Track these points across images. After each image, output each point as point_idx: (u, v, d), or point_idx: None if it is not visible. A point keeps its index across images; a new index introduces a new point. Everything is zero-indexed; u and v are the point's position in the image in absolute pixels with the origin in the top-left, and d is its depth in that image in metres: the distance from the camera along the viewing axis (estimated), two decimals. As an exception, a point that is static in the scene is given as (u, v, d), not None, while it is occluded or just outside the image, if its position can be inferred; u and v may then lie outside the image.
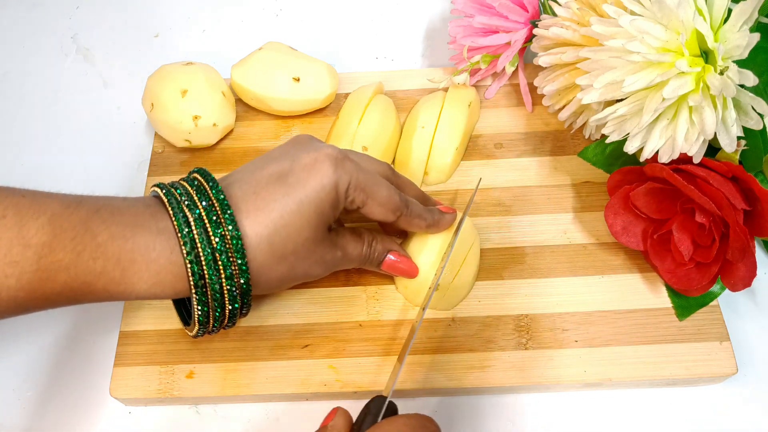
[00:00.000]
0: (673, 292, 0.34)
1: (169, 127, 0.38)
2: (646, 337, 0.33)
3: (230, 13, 0.48)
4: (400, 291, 0.34)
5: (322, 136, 0.40)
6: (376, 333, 0.33)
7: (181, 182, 0.28)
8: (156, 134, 0.41)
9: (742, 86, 0.27)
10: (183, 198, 0.27)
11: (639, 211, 0.33)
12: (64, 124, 0.43)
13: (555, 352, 0.32)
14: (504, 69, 0.39)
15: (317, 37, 0.46)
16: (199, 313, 0.27)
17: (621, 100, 0.30)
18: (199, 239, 0.26)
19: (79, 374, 0.34)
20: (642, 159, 0.30)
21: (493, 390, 0.33)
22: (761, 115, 0.28)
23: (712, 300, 0.33)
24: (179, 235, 0.26)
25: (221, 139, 0.40)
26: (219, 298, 0.27)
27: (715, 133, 0.28)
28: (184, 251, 0.26)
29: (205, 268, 0.26)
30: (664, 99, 0.27)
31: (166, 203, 0.26)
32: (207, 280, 0.26)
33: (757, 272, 0.35)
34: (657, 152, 0.30)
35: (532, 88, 0.39)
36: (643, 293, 0.34)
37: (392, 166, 0.34)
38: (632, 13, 0.28)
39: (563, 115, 0.36)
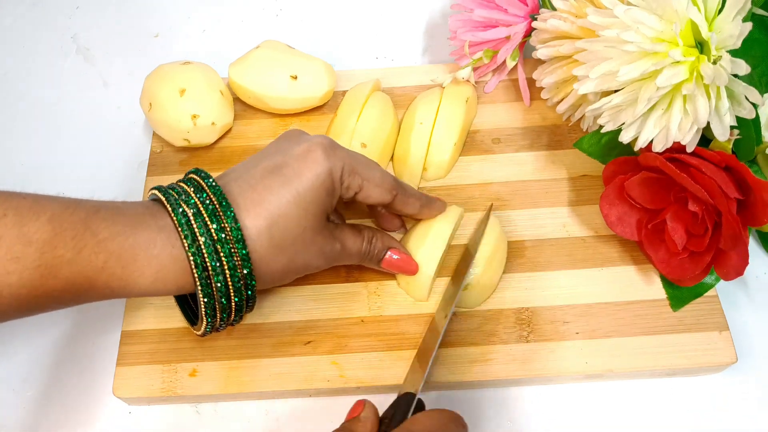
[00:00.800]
0: (666, 283, 0.34)
1: (168, 126, 0.38)
2: (646, 327, 0.33)
3: (230, 13, 0.48)
4: (402, 287, 0.34)
5: (320, 133, 0.40)
6: (378, 328, 0.33)
7: (179, 183, 0.28)
8: (154, 134, 0.41)
9: (735, 76, 0.27)
10: (182, 196, 0.27)
11: (633, 201, 0.33)
12: (64, 124, 0.44)
13: (556, 344, 0.33)
14: (504, 63, 0.39)
15: (317, 37, 0.46)
16: (206, 305, 0.27)
17: (617, 91, 0.30)
18: (199, 232, 0.26)
19: (79, 374, 0.35)
20: (636, 148, 0.31)
21: (495, 383, 0.33)
22: (755, 105, 0.28)
23: (705, 291, 0.33)
24: (180, 229, 0.26)
25: (220, 138, 0.40)
26: (224, 291, 0.27)
27: (709, 123, 0.28)
28: (186, 244, 0.26)
29: (207, 259, 0.26)
30: (658, 88, 0.27)
31: (165, 201, 0.27)
32: (210, 272, 0.26)
33: (757, 269, 0.35)
34: (651, 142, 0.30)
35: (531, 83, 0.39)
36: (643, 285, 0.34)
37: (390, 162, 0.35)
38: (627, 3, 0.28)
39: (561, 108, 0.36)
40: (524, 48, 0.40)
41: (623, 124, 0.30)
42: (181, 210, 0.26)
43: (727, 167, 0.30)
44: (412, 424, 0.24)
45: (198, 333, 0.29)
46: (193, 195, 0.27)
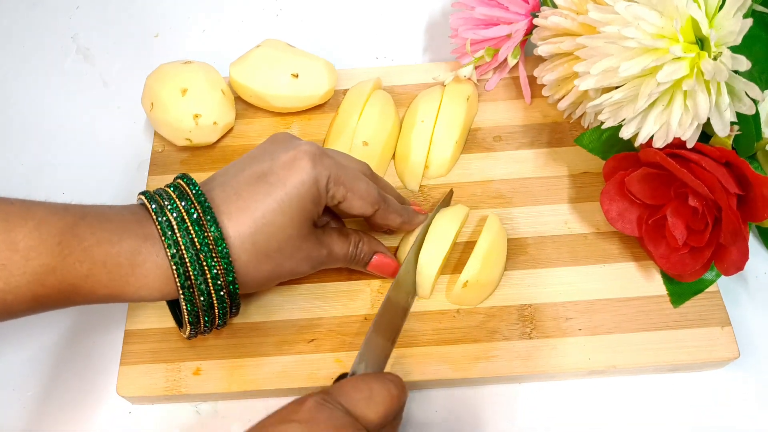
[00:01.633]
0: (667, 279, 0.34)
1: (170, 126, 0.38)
2: (649, 323, 0.33)
3: (230, 13, 0.48)
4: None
5: (321, 132, 0.40)
6: (381, 325, 0.34)
7: (165, 188, 0.28)
8: (156, 133, 0.41)
9: (736, 72, 0.28)
10: (166, 203, 0.27)
11: (634, 196, 0.33)
12: (65, 124, 0.44)
13: (559, 340, 0.33)
14: (505, 61, 0.39)
15: (318, 37, 0.46)
16: (188, 313, 0.28)
17: (618, 87, 0.30)
18: (182, 241, 0.26)
19: (79, 374, 0.34)
20: (637, 144, 0.31)
21: (499, 380, 0.33)
22: (755, 101, 0.28)
23: (705, 287, 0.33)
24: (163, 238, 0.26)
25: (221, 137, 0.40)
26: (206, 299, 0.27)
27: (709, 119, 0.28)
28: (169, 254, 0.26)
29: (189, 269, 0.26)
30: (658, 84, 0.27)
31: (150, 209, 0.27)
32: (193, 281, 0.27)
33: (757, 265, 0.36)
34: (652, 138, 0.30)
35: (532, 80, 0.39)
36: (644, 281, 0.34)
37: (391, 161, 0.35)
38: None
39: (563, 105, 0.36)
40: (525, 45, 0.40)
41: (624, 120, 0.30)
42: (164, 218, 0.27)
43: (728, 163, 0.31)
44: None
45: (184, 335, 0.29)
46: (177, 202, 0.27)
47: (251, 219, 0.27)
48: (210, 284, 0.27)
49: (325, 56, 0.41)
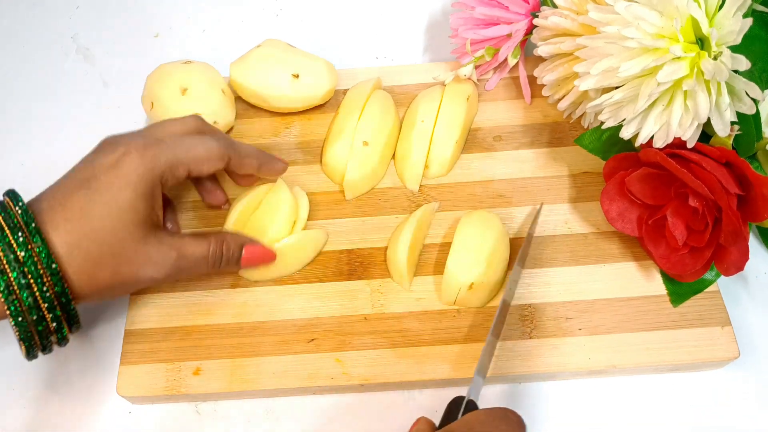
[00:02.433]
0: (667, 279, 0.34)
1: (170, 126, 0.38)
2: (649, 323, 0.33)
3: (230, 13, 0.48)
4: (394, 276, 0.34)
5: (321, 132, 0.40)
6: (382, 326, 0.34)
7: None
8: (157, 133, 0.41)
9: (736, 72, 0.28)
10: None
11: (634, 197, 0.33)
12: (64, 124, 0.44)
13: (559, 340, 0.33)
14: (505, 61, 0.39)
15: (317, 37, 0.46)
16: (18, 330, 0.27)
17: (618, 87, 0.30)
18: (4, 256, 0.26)
19: (79, 374, 0.34)
20: (637, 144, 0.31)
21: (499, 379, 0.33)
22: (755, 101, 0.28)
23: (705, 287, 0.33)
24: None
25: (222, 137, 0.40)
26: (36, 312, 0.27)
27: (709, 119, 0.28)
28: None
29: (14, 283, 0.26)
30: (658, 84, 0.27)
31: None
32: (18, 295, 0.26)
33: (757, 265, 0.36)
34: (652, 138, 0.30)
35: (532, 80, 0.39)
36: (644, 281, 0.34)
37: (202, 117, 0.33)
38: None
39: (563, 105, 0.36)
40: (525, 45, 0.40)
41: (624, 120, 0.30)
42: None
43: (728, 163, 0.31)
44: (460, 423, 0.24)
45: (23, 356, 0.28)
46: None
47: (78, 227, 0.27)
48: (38, 298, 0.26)
49: (325, 56, 0.41)
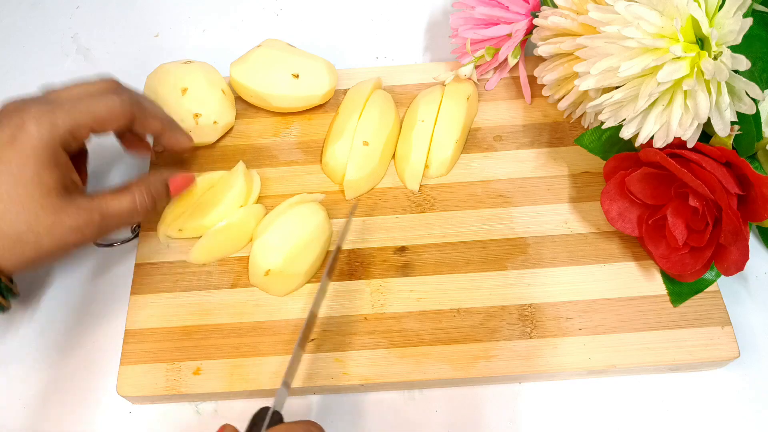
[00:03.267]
0: (667, 278, 0.34)
1: (170, 126, 0.38)
2: (649, 323, 0.33)
3: (230, 13, 0.48)
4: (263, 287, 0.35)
5: (322, 132, 0.40)
6: (382, 325, 0.34)
7: None
8: (157, 133, 0.41)
9: (736, 72, 0.28)
10: None
11: (634, 196, 0.33)
12: (66, 124, 0.44)
13: (559, 340, 0.33)
14: (505, 61, 0.39)
15: (317, 37, 0.46)
16: None
17: (618, 87, 0.30)
18: None
19: (79, 374, 0.34)
20: (637, 144, 0.31)
21: (499, 379, 0.33)
22: (755, 101, 0.28)
23: (705, 287, 0.33)
24: None
25: (222, 137, 0.40)
26: None
27: (709, 119, 0.28)
28: None
29: None
30: (658, 84, 0.27)
31: None
32: None
33: (757, 265, 0.36)
34: (652, 138, 0.30)
35: (532, 80, 0.39)
36: (644, 280, 0.34)
37: (118, 80, 0.32)
38: None
39: (563, 105, 0.36)
40: (525, 45, 0.40)
41: (624, 120, 0.30)
42: None
43: (728, 163, 0.31)
44: None
45: None
46: None
47: None
48: None
49: (325, 56, 0.41)
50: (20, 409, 0.34)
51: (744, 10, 0.27)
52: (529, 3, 0.38)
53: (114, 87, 0.31)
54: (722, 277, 0.33)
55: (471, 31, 0.38)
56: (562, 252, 0.35)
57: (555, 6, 0.35)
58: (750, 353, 0.33)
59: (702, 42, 0.28)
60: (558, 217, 0.36)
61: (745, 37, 0.27)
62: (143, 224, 0.37)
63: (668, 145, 0.30)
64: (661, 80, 0.27)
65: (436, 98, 0.39)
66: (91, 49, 0.47)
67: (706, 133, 0.32)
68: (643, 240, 0.34)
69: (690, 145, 0.30)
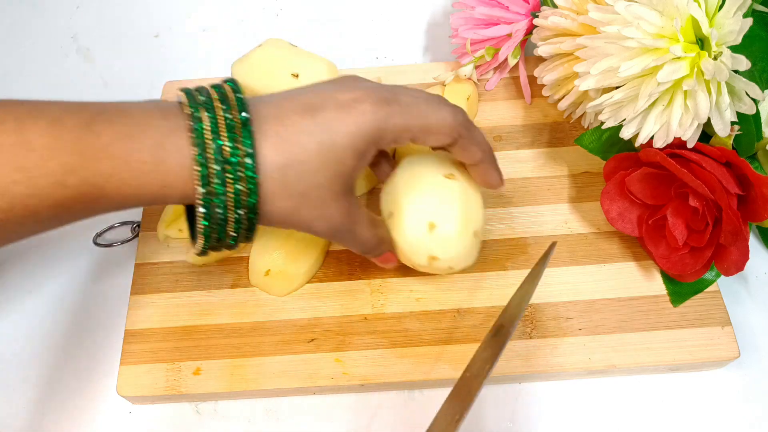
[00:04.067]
0: (667, 279, 0.34)
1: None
2: (649, 323, 0.33)
3: (230, 13, 0.48)
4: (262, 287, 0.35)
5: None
6: (382, 326, 0.34)
7: (208, 86, 0.26)
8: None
9: (736, 72, 0.28)
10: (203, 100, 0.25)
11: (634, 196, 0.33)
12: (65, 124, 0.44)
13: (559, 340, 0.33)
14: (505, 61, 0.39)
15: (318, 37, 0.46)
16: (204, 219, 0.25)
17: (618, 87, 0.30)
18: (212, 145, 0.24)
19: (79, 374, 0.34)
20: (637, 144, 0.31)
21: (499, 379, 0.33)
22: (755, 101, 0.28)
23: (705, 287, 0.33)
24: (192, 135, 0.24)
25: (222, 137, 0.40)
26: (223, 212, 0.25)
27: (709, 119, 0.28)
28: (193, 153, 0.24)
29: (214, 176, 0.24)
30: (658, 84, 0.27)
31: (186, 103, 0.24)
32: (213, 189, 0.24)
33: (757, 265, 0.36)
34: (652, 138, 0.30)
35: (532, 80, 0.39)
36: (644, 281, 0.34)
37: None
38: None
39: (562, 105, 0.37)
40: (525, 45, 0.40)
41: (624, 120, 0.30)
42: (198, 116, 0.24)
43: (728, 163, 0.31)
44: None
45: (194, 250, 0.27)
46: (216, 102, 0.24)
47: (287, 150, 0.25)
48: (231, 199, 0.24)
49: (325, 56, 0.41)
50: (20, 409, 0.34)
51: (744, 10, 0.27)
52: (529, 3, 0.38)
53: (446, 101, 0.29)
54: (722, 277, 0.33)
55: (471, 31, 0.38)
56: (562, 252, 0.35)
57: (555, 6, 0.35)
58: (750, 353, 0.33)
59: (702, 42, 0.28)
60: (558, 217, 0.36)
61: (745, 37, 0.27)
62: (143, 224, 0.37)
63: (668, 145, 0.30)
64: (661, 80, 0.27)
65: (436, 98, 0.39)
66: (91, 49, 0.47)
67: (706, 133, 0.32)
68: (643, 240, 0.34)
69: (690, 145, 0.30)
